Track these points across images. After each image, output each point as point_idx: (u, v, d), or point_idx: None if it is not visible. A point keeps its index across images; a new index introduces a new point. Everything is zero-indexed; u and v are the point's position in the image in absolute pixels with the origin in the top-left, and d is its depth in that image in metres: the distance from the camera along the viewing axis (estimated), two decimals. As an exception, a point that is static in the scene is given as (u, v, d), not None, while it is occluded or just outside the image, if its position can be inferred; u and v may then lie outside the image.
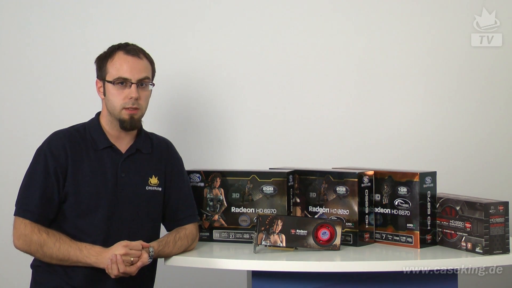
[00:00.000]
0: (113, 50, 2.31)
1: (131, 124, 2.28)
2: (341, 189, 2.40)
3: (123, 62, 2.27)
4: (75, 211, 2.24)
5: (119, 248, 2.16)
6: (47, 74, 2.96)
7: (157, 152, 2.39)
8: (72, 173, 2.25)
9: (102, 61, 2.31)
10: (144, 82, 2.30)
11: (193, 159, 2.76)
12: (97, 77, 2.33)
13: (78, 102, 2.91)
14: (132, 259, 2.16)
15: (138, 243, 2.20)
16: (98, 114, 2.36)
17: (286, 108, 2.97)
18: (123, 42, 2.34)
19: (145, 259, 2.18)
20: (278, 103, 2.97)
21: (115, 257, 2.14)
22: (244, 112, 2.96)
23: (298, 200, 2.50)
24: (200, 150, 2.95)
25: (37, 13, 2.96)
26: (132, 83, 2.26)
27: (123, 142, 2.33)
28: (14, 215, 2.24)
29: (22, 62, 2.97)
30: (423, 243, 2.36)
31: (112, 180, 2.27)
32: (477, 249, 2.24)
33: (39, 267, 2.29)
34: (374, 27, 2.96)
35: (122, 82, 2.26)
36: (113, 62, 2.28)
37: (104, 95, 2.30)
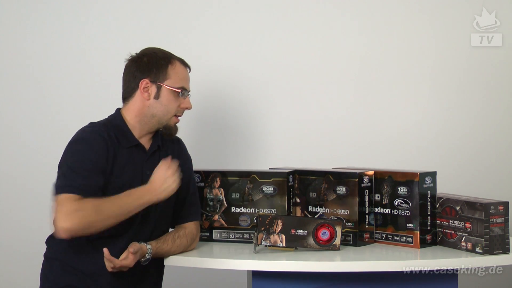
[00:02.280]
0: (169, 57, 2.29)
1: (176, 131, 2.34)
2: (341, 189, 2.40)
3: (185, 72, 2.31)
4: None
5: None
6: (47, 74, 2.97)
7: (170, 149, 2.39)
8: (109, 164, 2.22)
9: (161, 64, 2.27)
10: None
11: (193, 159, 2.76)
12: (147, 78, 2.26)
13: (79, 102, 2.91)
14: None
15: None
16: (118, 110, 2.33)
17: (286, 108, 2.97)
18: (152, 46, 2.33)
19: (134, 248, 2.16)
20: (277, 103, 2.97)
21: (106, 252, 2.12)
22: (244, 112, 2.96)
23: (298, 200, 2.50)
24: (199, 150, 2.95)
25: (37, 12, 2.97)
26: (188, 94, 2.32)
27: (145, 140, 2.33)
28: (56, 193, 2.10)
29: (21, 62, 2.98)
30: (423, 243, 2.36)
31: (138, 177, 2.26)
32: (477, 249, 2.24)
33: (49, 265, 2.26)
34: (374, 28, 2.97)
35: (184, 92, 2.29)
36: (175, 69, 2.29)
37: (156, 98, 2.28)
